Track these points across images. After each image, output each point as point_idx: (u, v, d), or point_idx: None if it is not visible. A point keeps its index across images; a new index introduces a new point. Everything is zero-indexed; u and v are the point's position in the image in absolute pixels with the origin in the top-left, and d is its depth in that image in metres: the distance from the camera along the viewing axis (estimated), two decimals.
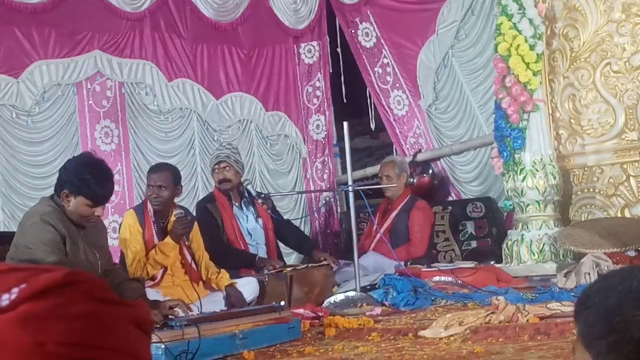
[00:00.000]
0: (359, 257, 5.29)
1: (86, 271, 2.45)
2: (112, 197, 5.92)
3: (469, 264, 5.69)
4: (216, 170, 5.80)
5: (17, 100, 6.32)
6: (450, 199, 7.32)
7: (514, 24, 5.77)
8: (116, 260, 4.81)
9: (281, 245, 6.14)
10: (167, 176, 4.91)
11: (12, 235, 4.41)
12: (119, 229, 5.21)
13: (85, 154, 4.49)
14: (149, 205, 4.93)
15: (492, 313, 3.80)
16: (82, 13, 6.58)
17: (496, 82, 5.93)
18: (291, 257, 6.83)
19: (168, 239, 4.77)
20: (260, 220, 5.88)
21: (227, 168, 5.75)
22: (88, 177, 3.89)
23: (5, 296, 0.61)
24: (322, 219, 8.03)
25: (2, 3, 6.20)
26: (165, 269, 4.89)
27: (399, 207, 6.29)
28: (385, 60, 7.69)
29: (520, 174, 5.85)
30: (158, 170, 5.01)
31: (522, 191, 5.86)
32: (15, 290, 0.62)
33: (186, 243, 4.95)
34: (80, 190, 3.90)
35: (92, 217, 3.99)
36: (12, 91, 6.29)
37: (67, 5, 6.49)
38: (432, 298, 4.91)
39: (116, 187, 6.36)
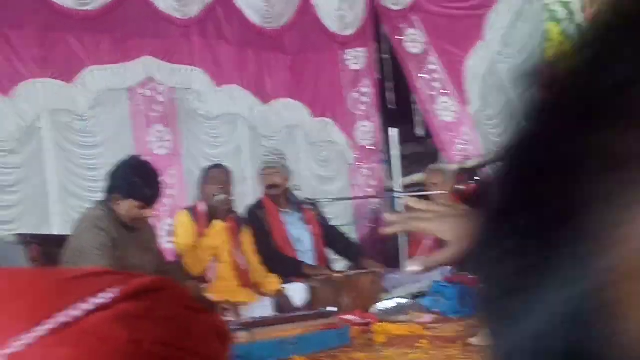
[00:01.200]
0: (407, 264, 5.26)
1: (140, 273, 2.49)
2: (165, 201, 6.04)
3: None
4: (264, 175, 5.84)
5: (72, 105, 6.43)
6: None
7: (563, 29, 5.73)
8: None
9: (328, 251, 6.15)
10: (228, 172, 5.05)
11: (66, 238, 4.51)
12: (172, 231, 5.30)
13: (132, 157, 4.56)
14: (200, 205, 5.02)
15: None
16: (133, 19, 6.68)
17: None
18: (339, 264, 6.83)
19: (215, 221, 4.85)
20: (307, 227, 5.90)
21: (274, 173, 5.79)
22: (136, 179, 3.98)
23: (105, 295, 0.63)
24: (369, 225, 8.01)
25: (55, 10, 6.32)
26: (217, 272, 4.95)
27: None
28: (432, 67, 7.67)
29: None
30: (218, 167, 5.16)
31: None
32: (113, 290, 0.64)
33: (238, 245, 5.02)
34: (129, 193, 3.98)
35: (143, 220, 4.06)
36: (67, 96, 6.41)
37: (119, 11, 6.59)
38: None
39: (169, 191, 6.47)
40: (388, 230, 1.35)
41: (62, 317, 0.61)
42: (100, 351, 0.60)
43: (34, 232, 5.81)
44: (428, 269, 1.32)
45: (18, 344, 0.61)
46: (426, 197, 6.51)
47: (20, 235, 4.61)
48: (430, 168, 6.65)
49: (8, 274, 0.66)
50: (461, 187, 6.87)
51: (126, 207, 4.04)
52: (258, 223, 5.68)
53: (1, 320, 0.62)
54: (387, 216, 1.36)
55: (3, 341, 0.61)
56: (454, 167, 7.21)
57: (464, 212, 1.28)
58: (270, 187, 5.79)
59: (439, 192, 6.26)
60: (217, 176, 5.08)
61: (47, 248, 4.62)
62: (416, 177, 8.38)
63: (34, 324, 0.61)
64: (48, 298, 0.63)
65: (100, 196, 4.53)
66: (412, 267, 1.29)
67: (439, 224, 1.25)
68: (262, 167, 5.88)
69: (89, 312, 0.61)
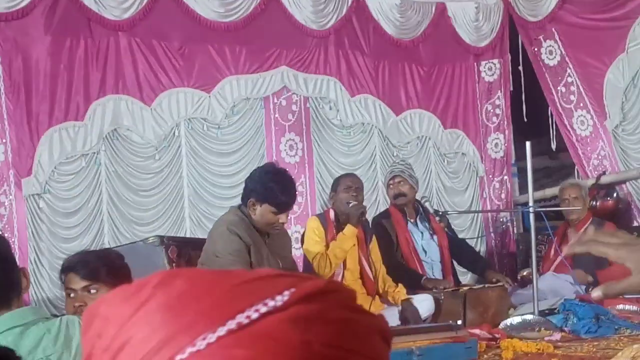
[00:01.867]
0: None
1: None
2: (295, 208, 6.16)
3: None
4: (391, 185, 5.86)
5: (209, 113, 6.66)
6: (635, 224, 7.00)
7: None
8: (300, 270, 4.97)
9: (456, 264, 6.10)
10: (360, 181, 5.14)
11: (200, 242, 4.69)
12: (301, 238, 5.39)
13: (269, 164, 4.70)
14: (331, 213, 5.11)
15: None
16: (271, 31, 6.85)
17: None
18: (466, 277, 6.76)
19: (348, 226, 4.90)
20: (435, 237, 5.87)
21: (401, 182, 5.80)
22: (272, 185, 4.08)
23: (279, 297, 0.67)
24: (498, 239, 7.89)
25: (199, 22, 6.57)
26: (343, 278, 5.00)
27: (581, 231, 6.08)
28: (570, 79, 7.48)
29: None
30: (352, 175, 5.26)
31: None
32: (286, 293, 0.68)
33: (366, 251, 5.06)
34: (265, 198, 4.09)
35: (277, 225, 4.17)
36: (204, 105, 6.65)
37: (257, 23, 6.78)
38: (616, 327, 4.70)
39: (299, 199, 6.60)
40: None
41: (240, 319, 0.65)
42: (274, 352, 0.64)
43: (170, 235, 6.07)
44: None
45: (202, 343, 0.65)
46: (557, 213, 6.36)
47: (160, 237, 4.81)
48: (566, 182, 6.49)
49: (189, 276, 0.71)
50: (596, 203, 6.69)
51: (261, 211, 4.15)
52: (384, 232, 5.70)
53: (186, 320, 0.67)
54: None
55: (189, 340, 0.66)
56: (590, 182, 7.01)
57: None
58: (397, 196, 5.80)
59: (576, 207, 6.10)
60: (350, 184, 5.15)
61: (184, 250, 4.81)
62: (549, 191, 8.20)
63: (217, 324, 0.65)
64: (228, 300, 0.66)
65: (233, 202, 4.67)
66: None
67: (625, 251, 1.23)
68: (390, 176, 5.90)
69: (265, 314, 0.65)
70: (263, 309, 0.65)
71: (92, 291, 2.79)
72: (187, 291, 0.67)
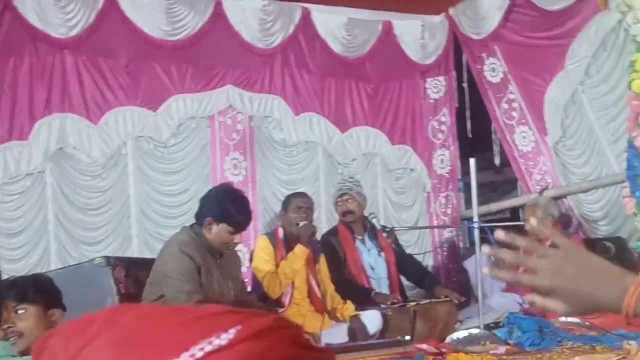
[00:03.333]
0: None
1: (219, 300, 2.56)
2: (241, 241, 6.15)
3: None
4: (339, 202, 5.90)
5: (155, 132, 6.64)
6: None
7: None
8: (249, 288, 4.98)
9: (403, 279, 6.16)
10: (311, 200, 5.16)
11: (148, 262, 4.66)
12: (250, 255, 5.40)
13: (225, 184, 4.73)
14: (280, 231, 5.12)
15: (624, 358, 3.70)
16: (218, 49, 6.87)
17: (630, 120, 5.77)
18: (413, 291, 6.82)
19: (298, 246, 4.92)
20: (382, 254, 5.92)
21: (349, 200, 5.85)
22: (229, 205, 4.13)
23: (224, 335, 0.69)
24: (445, 254, 7.98)
25: (145, 40, 6.56)
26: (291, 297, 5.01)
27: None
28: (512, 96, 7.62)
29: None
30: (302, 195, 5.27)
31: None
32: (232, 330, 0.70)
33: (314, 270, 5.08)
34: (222, 218, 4.12)
35: (232, 244, 4.19)
36: (151, 123, 6.63)
37: (204, 42, 6.80)
38: (558, 339, 4.78)
39: None
40: (492, 274, 1.30)
41: (184, 358, 0.67)
42: None
43: (118, 254, 6.02)
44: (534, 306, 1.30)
45: None
46: (509, 227, 6.47)
47: (106, 258, 4.77)
48: (527, 204, 6.64)
49: (137, 313, 0.72)
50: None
51: (218, 231, 4.17)
52: (333, 250, 5.73)
53: (132, 358, 0.69)
54: (494, 250, 1.31)
55: None
56: (533, 196, 7.14)
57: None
58: (345, 213, 5.84)
59: (515, 223, 6.21)
60: (300, 204, 5.17)
61: (131, 270, 4.77)
62: (494, 206, 8.33)
63: None
64: (174, 338, 0.68)
65: (179, 221, 4.67)
66: (528, 298, 1.26)
67: (557, 285, 1.21)
68: (338, 194, 5.93)
69: (210, 353, 0.67)
70: (208, 348, 0.67)
71: (20, 312, 2.79)
72: (134, 329, 0.69)
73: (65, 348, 0.73)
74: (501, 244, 1.34)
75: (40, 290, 2.87)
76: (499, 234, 1.30)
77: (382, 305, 5.34)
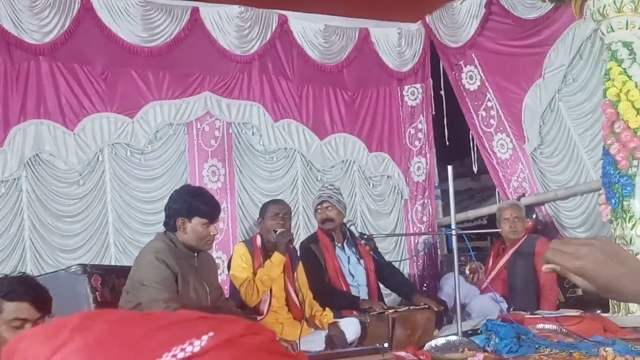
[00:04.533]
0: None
1: (195, 307, 2.53)
2: (217, 235, 6.13)
3: (575, 312, 5.54)
4: (319, 210, 5.88)
5: (132, 139, 6.61)
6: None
7: (624, 69, 5.65)
8: (227, 295, 4.95)
9: (381, 286, 6.15)
10: (288, 207, 5.15)
11: (124, 269, 4.63)
12: (228, 263, 5.37)
13: (184, 185, 4.73)
14: (257, 239, 5.10)
15: None
16: (195, 56, 6.85)
17: (604, 127, 5.81)
18: (390, 297, 6.81)
19: (275, 253, 4.91)
20: (362, 261, 5.91)
21: (329, 208, 5.83)
22: (193, 199, 4.16)
23: (197, 342, 0.68)
24: (421, 261, 7.99)
25: (122, 46, 6.53)
26: (269, 305, 4.99)
27: (514, 248, 6.23)
28: (490, 104, 7.65)
29: (629, 222, 5.68)
30: (279, 202, 5.25)
31: (630, 239, 5.69)
32: (204, 337, 0.68)
33: (292, 277, 5.06)
34: (192, 212, 4.13)
35: (210, 238, 4.19)
36: (128, 130, 6.59)
37: (181, 48, 6.78)
38: (536, 346, 4.79)
39: (221, 225, 6.57)
40: (545, 268, 1.38)
41: None
42: None
43: (95, 262, 5.97)
44: (555, 270, 1.37)
45: None
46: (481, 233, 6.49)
47: (82, 265, 4.73)
48: (504, 203, 6.64)
49: (107, 319, 0.71)
50: None
51: (192, 227, 4.16)
52: (313, 257, 5.71)
53: None
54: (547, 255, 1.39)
55: None
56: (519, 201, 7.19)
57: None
58: (325, 221, 5.83)
59: (493, 230, 6.24)
60: (277, 211, 5.15)
61: (107, 278, 4.73)
62: (471, 213, 8.36)
63: None
64: (145, 346, 0.67)
65: (157, 228, 4.65)
66: (545, 268, 1.35)
67: (579, 264, 1.30)
68: (318, 201, 5.92)
69: (183, 359, 0.66)
70: (180, 355, 0.65)
71: (39, 322, 2.74)
72: (104, 336, 0.68)
73: (35, 354, 0.71)
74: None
75: (49, 301, 2.81)
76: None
77: (363, 313, 5.32)
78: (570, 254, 1.33)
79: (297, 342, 4.50)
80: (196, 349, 0.67)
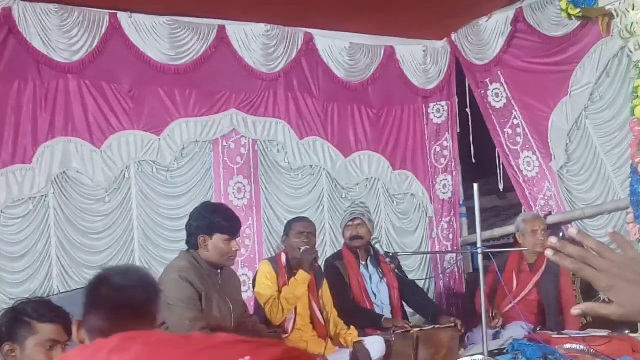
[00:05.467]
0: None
1: (220, 325, 2.54)
2: (243, 251, 6.14)
3: (602, 332, 5.48)
4: (349, 226, 5.86)
5: (158, 156, 6.64)
6: (569, 232, 7.06)
7: None
8: (251, 311, 4.95)
9: (405, 305, 6.12)
10: (313, 225, 5.15)
11: None
12: (253, 281, 5.37)
13: (203, 203, 4.75)
14: (282, 257, 5.11)
15: None
16: (221, 74, 6.89)
17: (632, 145, 5.76)
18: (415, 317, 6.78)
19: (300, 272, 4.90)
20: (385, 280, 5.89)
21: (360, 225, 5.84)
22: (214, 216, 4.16)
23: None
24: (447, 280, 7.94)
25: (149, 64, 6.58)
26: (294, 323, 4.99)
27: (544, 267, 6.13)
28: (516, 122, 7.61)
29: None
30: (304, 220, 5.25)
31: None
32: None
33: (317, 295, 5.06)
34: (213, 229, 4.15)
35: (232, 254, 4.20)
36: (154, 148, 6.63)
37: (208, 66, 6.82)
38: None
39: (247, 242, 6.58)
40: (555, 258, 1.34)
41: None
42: None
43: None
44: (588, 315, 1.35)
45: None
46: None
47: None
48: (527, 215, 6.53)
49: (146, 341, 0.71)
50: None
51: (214, 244, 4.18)
52: (338, 274, 5.70)
53: None
54: (562, 244, 1.35)
55: None
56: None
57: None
58: (354, 238, 5.81)
59: (520, 249, 6.17)
60: (302, 229, 5.15)
61: None
62: (497, 231, 8.30)
63: None
64: None
65: (182, 245, 4.67)
66: (575, 310, 1.32)
67: (611, 284, 1.27)
68: (349, 217, 5.90)
69: None
70: None
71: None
72: (143, 357, 0.68)
73: None
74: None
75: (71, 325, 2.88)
76: (572, 231, 1.38)
77: (387, 331, 5.30)
78: (604, 272, 1.29)
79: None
80: None
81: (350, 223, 5.86)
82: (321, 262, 5.83)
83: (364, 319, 5.54)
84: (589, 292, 6.56)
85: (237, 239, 4.33)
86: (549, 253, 1.36)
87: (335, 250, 6.47)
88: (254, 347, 0.69)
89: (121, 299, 2.02)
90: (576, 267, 1.32)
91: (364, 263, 5.88)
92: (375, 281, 5.86)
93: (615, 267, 1.29)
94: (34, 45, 6.14)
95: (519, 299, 6.01)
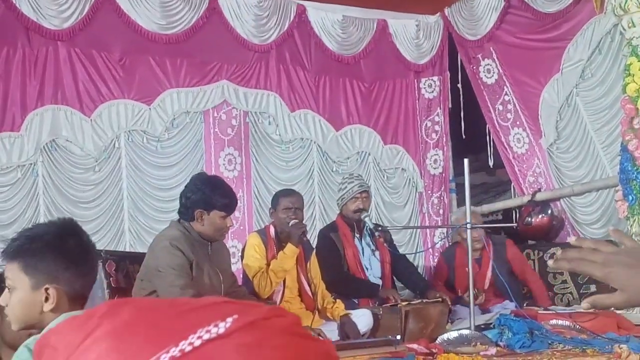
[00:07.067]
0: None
1: (209, 293, 2.55)
2: (233, 223, 6.13)
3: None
4: (357, 198, 5.83)
5: (148, 126, 6.62)
6: (569, 240, 7.12)
7: None
8: (240, 283, 4.96)
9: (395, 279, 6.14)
10: (301, 199, 5.13)
11: (138, 256, 4.64)
12: (241, 252, 5.37)
13: (200, 174, 4.70)
14: (271, 229, 5.10)
15: None
16: (213, 44, 6.85)
17: (623, 123, 5.77)
18: (404, 291, 6.80)
19: (289, 245, 4.90)
20: (377, 253, 5.90)
21: (366, 198, 5.84)
22: (213, 192, 4.13)
23: (222, 324, 0.68)
24: (437, 254, 7.97)
25: (140, 33, 6.53)
26: (282, 295, 5.00)
27: (491, 257, 6.15)
28: (507, 98, 7.62)
29: None
30: (293, 194, 5.22)
31: None
32: (229, 320, 0.69)
33: (305, 268, 5.06)
34: (211, 205, 4.14)
35: (226, 229, 4.20)
36: (144, 117, 6.60)
37: (199, 36, 6.78)
38: (549, 342, 4.78)
39: (236, 214, 6.58)
40: (554, 265, 1.38)
41: (183, 345, 0.66)
42: None
43: (110, 248, 5.99)
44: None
45: None
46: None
47: (97, 251, 4.74)
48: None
49: (135, 305, 0.72)
50: (531, 219, 6.81)
51: (210, 219, 4.18)
52: (332, 245, 5.71)
53: (131, 348, 0.68)
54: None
55: None
56: (526, 198, 7.17)
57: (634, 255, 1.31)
58: (357, 211, 5.80)
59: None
60: (289, 204, 5.13)
61: (121, 264, 4.75)
62: (486, 207, 8.33)
63: (160, 351, 0.66)
64: (171, 328, 0.68)
65: (172, 215, 4.67)
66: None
67: (608, 271, 1.29)
68: (359, 189, 5.85)
69: (208, 341, 0.66)
70: (206, 336, 0.66)
71: None
72: (132, 320, 0.69)
73: (67, 343, 0.72)
74: None
75: None
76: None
77: (377, 304, 5.33)
78: (600, 262, 1.31)
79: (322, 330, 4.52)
80: (221, 331, 0.68)
81: (358, 195, 5.83)
82: (311, 234, 5.82)
83: (359, 289, 5.55)
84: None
85: (231, 215, 4.34)
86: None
87: (325, 223, 6.47)
88: (240, 307, 0.70)
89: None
90: (572, 265, 1.34)
91: (358, 236, 5.88)
92: (367, 254, 5.86)
93: (612, 255, 1.31)
94: (23, 11, 6.08)
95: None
